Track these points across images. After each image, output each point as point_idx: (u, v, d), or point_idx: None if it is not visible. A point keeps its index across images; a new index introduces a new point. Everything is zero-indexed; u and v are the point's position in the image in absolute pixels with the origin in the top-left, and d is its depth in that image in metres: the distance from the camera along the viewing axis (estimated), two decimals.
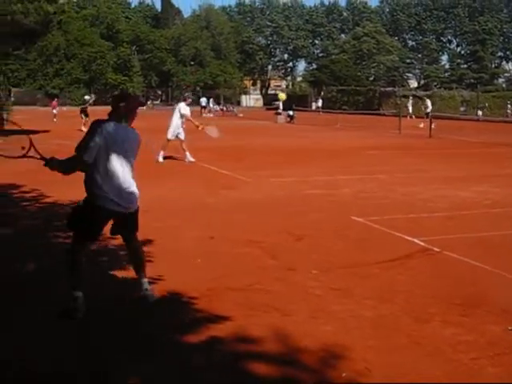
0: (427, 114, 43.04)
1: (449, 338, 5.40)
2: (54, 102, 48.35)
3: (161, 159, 18.83)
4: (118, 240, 8.37)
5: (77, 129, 31.93)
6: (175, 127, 19.13)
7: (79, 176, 5.99)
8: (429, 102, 46.77)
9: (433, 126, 35.70)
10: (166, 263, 7.59)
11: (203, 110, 62.05)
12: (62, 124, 37.43)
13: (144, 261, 6.48)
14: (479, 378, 4.62)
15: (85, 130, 31.68)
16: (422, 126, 38.88)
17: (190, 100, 20.80)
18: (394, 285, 6.93)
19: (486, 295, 6.60)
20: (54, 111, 45.89)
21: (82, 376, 4.71)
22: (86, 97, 38.71)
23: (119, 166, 5.99)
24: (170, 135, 19.02)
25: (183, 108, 19.35)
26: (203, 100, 65.16)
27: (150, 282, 6.37)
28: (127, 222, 6.18)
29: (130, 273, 6.73)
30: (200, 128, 18.34)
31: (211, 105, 64.89)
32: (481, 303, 6.32)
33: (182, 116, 19.20)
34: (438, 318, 5.89)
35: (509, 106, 61.38)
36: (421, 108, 46.55)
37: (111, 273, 7.17)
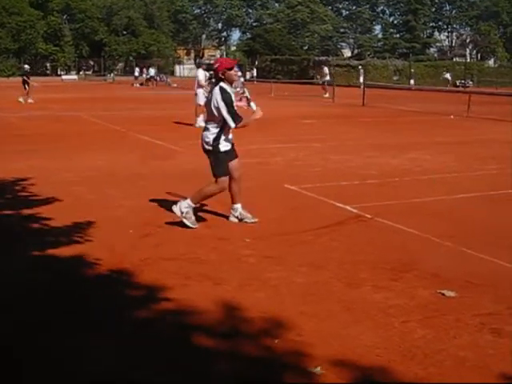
0: (324, 82, 43.56)
1: (380, 303, 5.46)
2: None
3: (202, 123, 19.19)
4: (64, 220, 8.29)
5: (15, 100, 31.29)
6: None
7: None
8: (326, 70, 46.94)
9: (327, 95, 36.43)
10: (99, 234, 7.52)
11: (151, 81, 60.56)
12: None
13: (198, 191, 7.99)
14: (409, 341, 4.69)
15: (24, 101, 30.95)
16: (326, 95, 39.29)
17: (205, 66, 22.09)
18: (326, 251, 6.99)
19: (417, 260, 6.70)
20: None
21: (25, 349, 4.63)
22: (26, 66, 37.28)
23: None
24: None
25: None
26: (151, 71, 63.38)
27: None
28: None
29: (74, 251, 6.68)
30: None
31: (148, 74, 63.37)
32: (411, 268, 6.42)
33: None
34: (370, 283, 5.96)
35: (448, 74, 62.10)
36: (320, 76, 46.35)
37: (55, 250, 7.03)
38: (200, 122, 19.24)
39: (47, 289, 5.86)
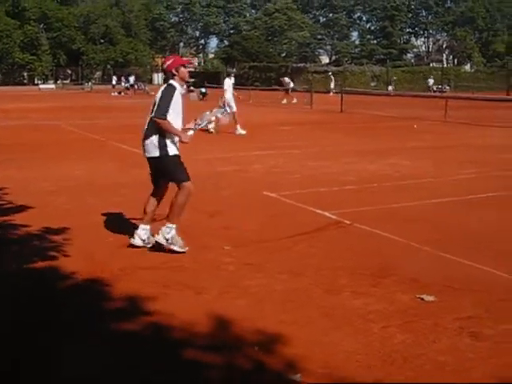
0: (288, 89, 45.05)
1: (359, 308, 5.48)
2: None
3: (242, 131, 20.92)
4: (42, 229, 8.23)
5: None
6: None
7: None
8: (287, 79, 47.99)
9: (294, 101, 38.55)
10: (78, 242, 7.49)
11: (130, 90, 60.45)
12: None
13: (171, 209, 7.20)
14: (388, 346, 4.71)
15: None
16: (294, 101, 40.60)
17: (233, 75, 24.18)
18: (305, 258, 6.99)
19: (395, 265, 6.73)
20: None
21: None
22: None
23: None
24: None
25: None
26: (131, 79, 63.20)
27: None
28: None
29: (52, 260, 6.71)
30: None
31: (128, 83, 63.16)
32: (390, 273, 6.44)
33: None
34: (349, 289, 5.98)
35: (431, 80, 62.72)
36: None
37: (31, 259, 6.99)
38: (240, 130, 20.88)
39: (17, 298, 5.82)
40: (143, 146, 7.37)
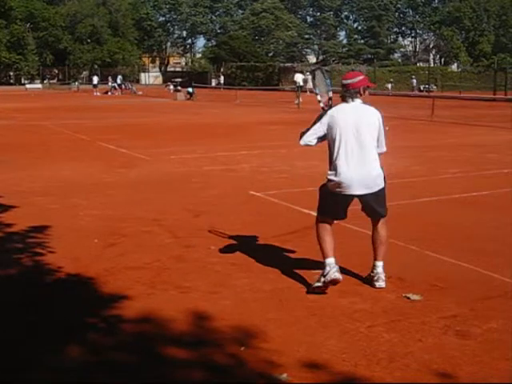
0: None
1: (346, 308, 5.48)
2: None
3: None
4: (27, 230, 8.19)
5: None
6: None
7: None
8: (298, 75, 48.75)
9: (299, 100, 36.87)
10: (63, 243, 7.45)
11: (117, 89, 60.73)
12: None
13: (380, 246, 6.42)
14: (375, 345, 4.71)
15: None
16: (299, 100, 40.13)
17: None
18: (292, 257, 6.99)
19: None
20: None
21: None
22: None
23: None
24: None
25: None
26: (119, 79, 63.38)
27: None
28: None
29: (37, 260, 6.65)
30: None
31: (116, 82, 63.19)
32: None
33: None
34: (336, 288, 5.95)
35: (414, 80, 63.11)
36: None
37: (16, 259, 6.96)
38: None
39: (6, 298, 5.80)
40: (365, 182, 6.16)
